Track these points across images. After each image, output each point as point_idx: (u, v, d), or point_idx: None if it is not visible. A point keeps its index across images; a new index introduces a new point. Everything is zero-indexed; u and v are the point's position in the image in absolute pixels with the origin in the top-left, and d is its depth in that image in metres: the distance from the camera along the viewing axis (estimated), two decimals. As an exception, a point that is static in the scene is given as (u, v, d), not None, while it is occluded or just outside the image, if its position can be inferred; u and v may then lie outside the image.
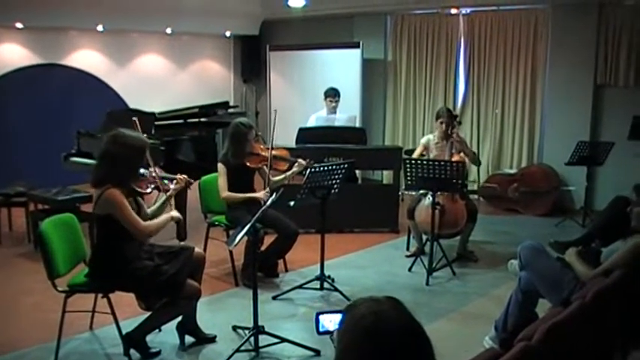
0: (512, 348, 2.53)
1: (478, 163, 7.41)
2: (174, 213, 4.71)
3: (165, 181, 4.84)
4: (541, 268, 4.34)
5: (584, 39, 8.80)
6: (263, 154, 6.19)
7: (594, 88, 8.89)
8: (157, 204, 4.85)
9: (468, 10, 9.91)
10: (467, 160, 6.91)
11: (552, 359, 2.68)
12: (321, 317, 2.36)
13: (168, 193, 4.82)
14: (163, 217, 4.64)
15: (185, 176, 4.93)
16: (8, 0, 8.64)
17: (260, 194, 5.97)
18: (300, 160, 6.20)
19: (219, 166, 6.12)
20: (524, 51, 9.53)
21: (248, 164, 6.12)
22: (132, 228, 4.32)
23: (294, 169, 6.20)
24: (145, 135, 6.98)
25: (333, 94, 8.69)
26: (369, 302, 1.84)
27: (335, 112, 8.71)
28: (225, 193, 6.05)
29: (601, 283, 3.50)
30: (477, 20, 9.93)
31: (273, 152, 6.16)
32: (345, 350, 1.81)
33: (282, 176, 6.26)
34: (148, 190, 4.70)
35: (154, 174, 4.73)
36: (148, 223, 4.48)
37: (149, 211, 4.78)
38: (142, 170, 4.60)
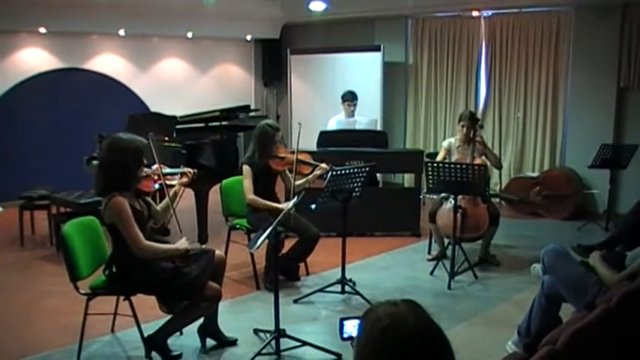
0: (536, 352, 2.50)
1: (500, 167, 7.36)
2: (183, 245, 4.52)
3: (170, 176, 4.87)
4: (564, 272, 4.29)
5: (607, 41, 8.72)
6: (287, 157, 6.19)
7: (617, 91, 8.80)
8: (165, 200, 4.82)
9: (490, 12, 9.85)
10: (488, 163, 6.87)
11: (577, 364, 2.65)
12: (345, 323, 2.33)
13: (174, 189, 4.82)
14: (171, 246, 4.50)
15: (190, 169, 4.94)
16: (32, 6, 8.73)
17: (284, 206, 5.95)
18: (322, 164, 6.19)
19: (245, 168, 6.11)
20: (546, 53, 9.45)
21: (273, 167, 6.12)
22: (132, 242, 4.26)
23: (317, 172, 6.18)
24: (167, 138, 7.11)
25: (350, 98, 8.66)
26: (386, 305, 1.83)
27: (353, 116, 8.70)
28: (251, 196, 6.03)
29: (626, 287, 3.45)
30: (498, 23, 9.87)
31: (299, 157, 6.16)
32: (362, 353, 1.80)
33: (304, 180, 6.24)
34: (154, 189, 4.72)
35: (158, 171, 4.73)
36: (152, 244, 4.35)
37: (158, 207, 4.80)
38: (145, 169, 4.60)
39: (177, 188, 4.86)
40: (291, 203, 4.76)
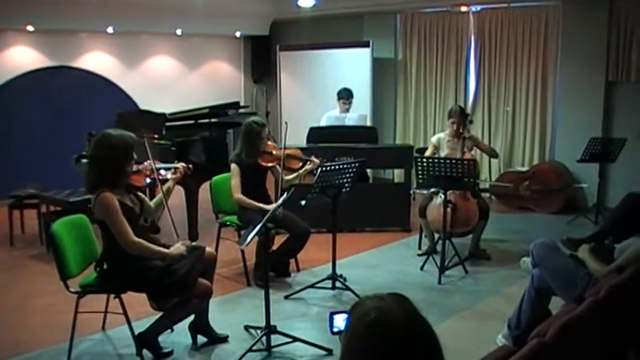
0: (525, 345, 2.51)
1: (496, 155, 7.42)
2: (178, 250, 4.46)
3: (163, 172, 4.88)
4: (554, 265, 4.30)
5: (596, 35, 8.74)
6: (275, 153, 6.18)
7: (606, 85, 8.81)
8: (158, 195, 4.83)
9: (478, 7, 9.86)
10: (483, 154, 6.90)
11: (566, 356, 2.66)
12: (335, 317, 2.33)
13: (167, 184, 4.82)
14: (163, 250, 4.44)
15: (183, 164, 4.93)
16: (19, 3, 8.67)
17: (272, 207, 5.94)
18: (313, 157, 6.20)
19: (232, 166, 6.10)
20: (534, 48, 9.47)
21: (261, 163, 6.11)
22: (120, 238, 4.25)
23: (307, 166, 6.19)
24: (156, 135, 7.09)
25: (346, 96, 8.69)
26: (372, 299, 1.82)
27: (348, 112, 8.72)
28: (237, 195, 6.02)
29: (615, 279, 3.47)
30: (487, 18, 9.88)
31: (286, 151, 6.16)
32: (349, 347, 1.79)
33: (295, 174, 6.24)
34: (145, 183, 4.72)
35: (150, 167, 4.73)
36: (141, 241, 4.32)
37: (152, 203, 4.79)
38: (138, 166, 4.60)
39: (170, 184, 4.85)
40: (278, 202, 4.74)
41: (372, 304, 1.79)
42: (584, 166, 8.38)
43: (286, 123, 6.14)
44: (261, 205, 5.92)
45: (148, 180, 4.74)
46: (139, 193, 4.69)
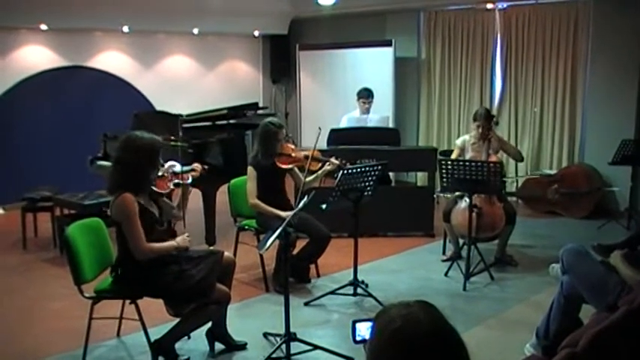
0: (555, 355, 2.40)
1: (521, 158, 7.23)
2: (182, 242, 4.50)
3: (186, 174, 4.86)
4: (584, 272, 4.18)
5: (628, 33, 8.54)
6: (294, 154, 6.07)
7: (639, 85, 8.62)
8: (178, 196, 4.80)
9: (505, 4, 9.72)
10: (509, 156, 6.91)
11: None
12: (357, 325, 2.28)
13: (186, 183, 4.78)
14: (168, 244, 4.46)
15: (199, 165, 4.94)
16: (33, 1, 8.64)
17: (288, 214, 5.81)
18: (332, 159, 6.06)
19: (249, 169, 6.03)
20: (563, 46, 9.30)
21: (279, 165, 6.00)
22: (133, 243, 4.22)
23: (327, 167, 6.05)
24: (172, 137, 7.00)
25: (366, 95, 8.61)
26: (398, 307, 1.81)
27: (368, 113, 8.61)
28: (253, 200, 5.94)
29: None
30: (513, 15, 9.74)
31: (304, 152, 6.04)
32: (373, 356, 1.78)
33: (314, 176, 6.10)
34: (170, 188, 4.69)
35: (171, 170, 4.71)
36: (152, 245, 4.30)
37: (174, 204, 4.76)
38: (159, 172, 4.56)
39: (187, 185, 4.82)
40: (301, 204, 4.63)
41: (398, 311, 1.78)
42: (616, 168, 8.20)
43: (319, 128, 5.93)
44: (277, 211, 5.80)
45: (171, 186, 4.70)
46: (160, 199, 4.62)
